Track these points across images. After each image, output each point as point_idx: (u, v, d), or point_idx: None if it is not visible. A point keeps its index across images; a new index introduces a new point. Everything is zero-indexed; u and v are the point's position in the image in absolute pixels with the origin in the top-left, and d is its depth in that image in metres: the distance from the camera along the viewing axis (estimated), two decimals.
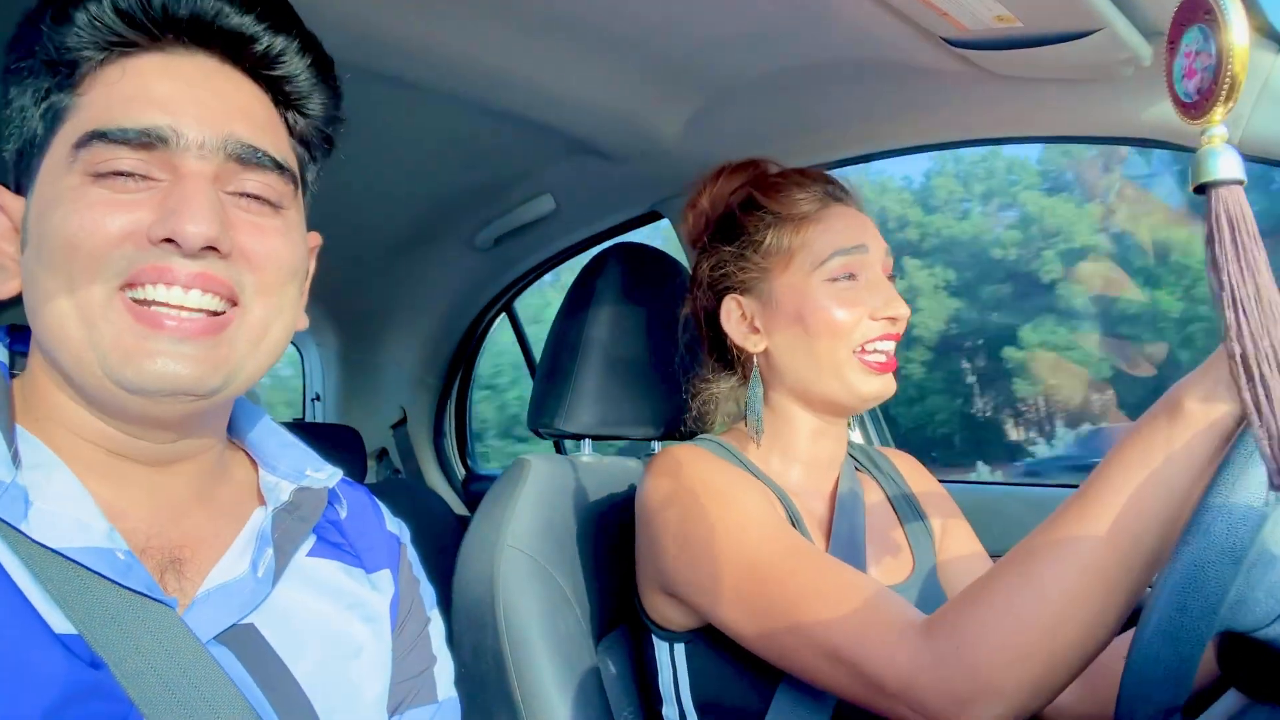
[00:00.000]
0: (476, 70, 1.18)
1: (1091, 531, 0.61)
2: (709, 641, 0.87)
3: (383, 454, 2.38)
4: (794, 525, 0.89)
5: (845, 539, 0.92)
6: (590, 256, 1.20)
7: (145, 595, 0.53)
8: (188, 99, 0.55)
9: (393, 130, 1.44)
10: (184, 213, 0.52)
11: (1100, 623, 0.61)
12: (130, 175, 0.53)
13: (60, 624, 0.50)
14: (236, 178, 0.56)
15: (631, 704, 1.00)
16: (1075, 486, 0.64)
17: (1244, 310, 0.44)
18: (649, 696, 0.96)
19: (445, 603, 0.79)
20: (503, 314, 2.28)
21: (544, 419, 1.10)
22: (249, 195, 0.57)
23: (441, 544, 1.92)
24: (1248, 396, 0.45)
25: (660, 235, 1.69)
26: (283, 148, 0.60)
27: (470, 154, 1.56)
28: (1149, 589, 1.01)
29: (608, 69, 1.20)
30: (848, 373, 0.91)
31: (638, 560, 0.93)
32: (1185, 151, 1.01)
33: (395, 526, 0.75)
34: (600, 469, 1.11)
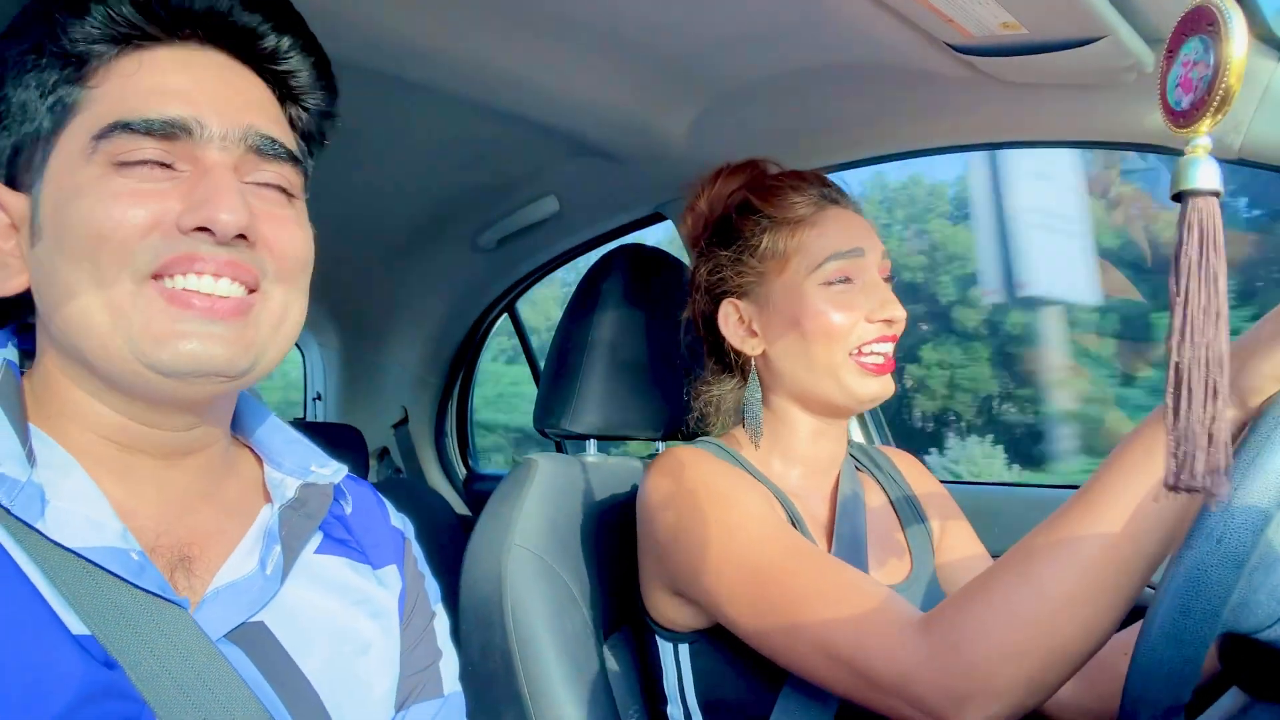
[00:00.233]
0: (482, 72, 1.18)
1: (1091, 533, 0.61)
2: (713, 642, 0.88)
3: (384, 453, 2.39)
4: (795, 527, 0.90)
5: (847, 540, 0.93)
6: (592, 258, 1.21)
7: (158, 595, 0.53)
8: (207, 92, 0.56)
9: (397, 131, 1.45)
10: (218, 202, 0.53)
11: (1098, 623, 0.62)
12: (154, 165, 0.54)
13: (76, 624, 0.50)
14: (255, 168, 0.58)
15: (637, 702, 1.00)
16: (1074, 486, 0.65)
17: (1192, 317, 0.45)
18: (654, 696, 0.97)
19: (448, 601, 0.80)
20: (504, 314, 2.28)
21: (550, 420, 1.11)
22: (266, 185, 0.59)
23: (443, 543, 1.93)
24: (1170, 399, 0.46)
25: (665, 236, 1.70)
26: (290, 141, 0.62)
27: (474, 155, 1.56)
28: (1150, 589, 1.02)
29: (613, 71, 1.21)
30: (845, 375, 0.92)
31: (640, 561, 0.94)
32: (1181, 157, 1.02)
33: (399, 522, 0.75)
34: (606, 469, 1.12)
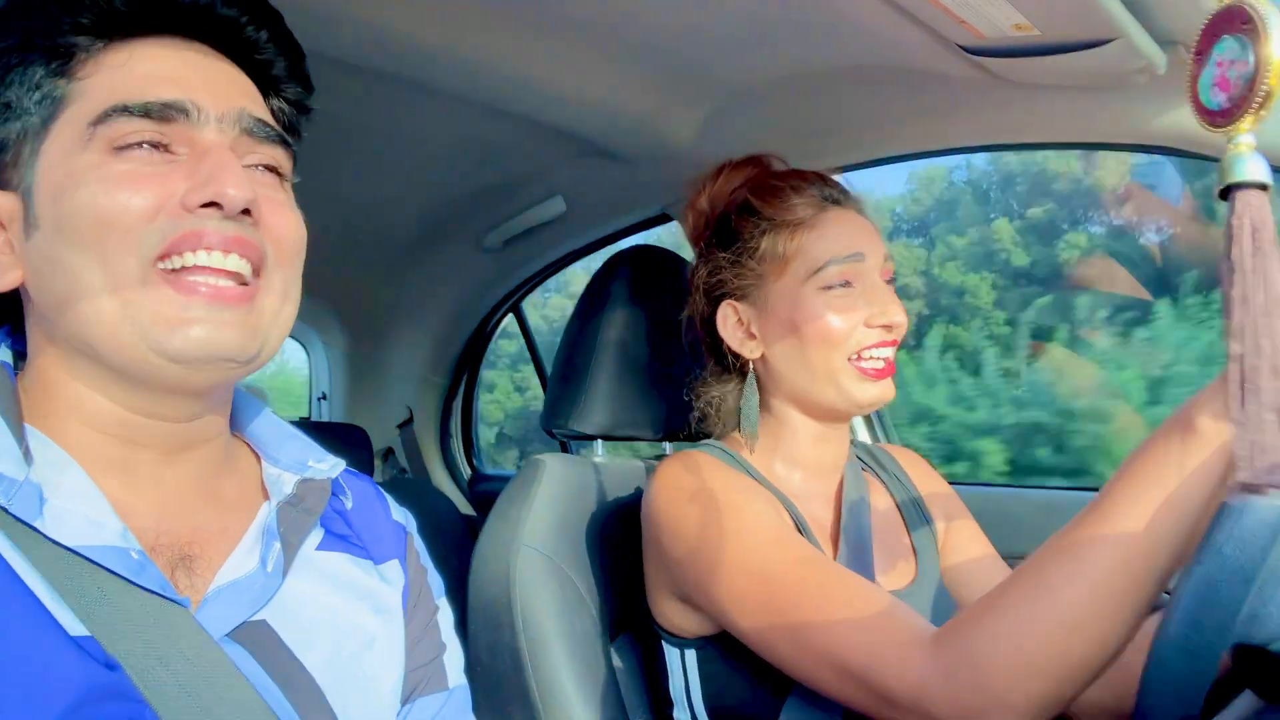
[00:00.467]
0: (490, 73, 1.18)
1: (1103, 549, 0.61)
2: (720, 648, 0.87)
3: (389, 453, 2.39)
4: (800, 532, 0.89)
5: (853, 544, 0.92)
6: (598, 259, 1.21)
7: (158, 595, 0.53)
8: (199, 77, 0.58)
9: (405, 131, 1.45)
10: (224, 178, 0.54)
11: (1112, 636, 0.62)
12: (152, 148, 0.55)
13: (74, 626, 0.50)
14: (249, 151, 0.59)
15: (645, 704, 1.00)
16: (1084, 489, 0.65)
17: (1252, 313, 0.45)
18: (660, 700, 0.96)
19: (454, 602, 0.80)
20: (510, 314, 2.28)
21: (557, 420, 1.11)
22: (260, 167, 0.60)
23: (448, 543, 1.93)
24: (1235, 394, 0.45)
25: (672, 237, 1.70)
26: (278, 126, 0.63)
27: (481, 155, 1.56)
28: (1166, 594, 1.01)
29: (620, 71, 1.21)
30: (843, 380, 0.91)
31: (646, 567, 0.94)
32: (1195, 159, 1.02)
33: (401, 516, 0.75)
34: (614, 469, 1.12)
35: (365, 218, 1.84)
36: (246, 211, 0.55)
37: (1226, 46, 0.46)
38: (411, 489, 2.21)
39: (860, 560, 0.91)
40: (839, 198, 0.96)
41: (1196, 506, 0.59)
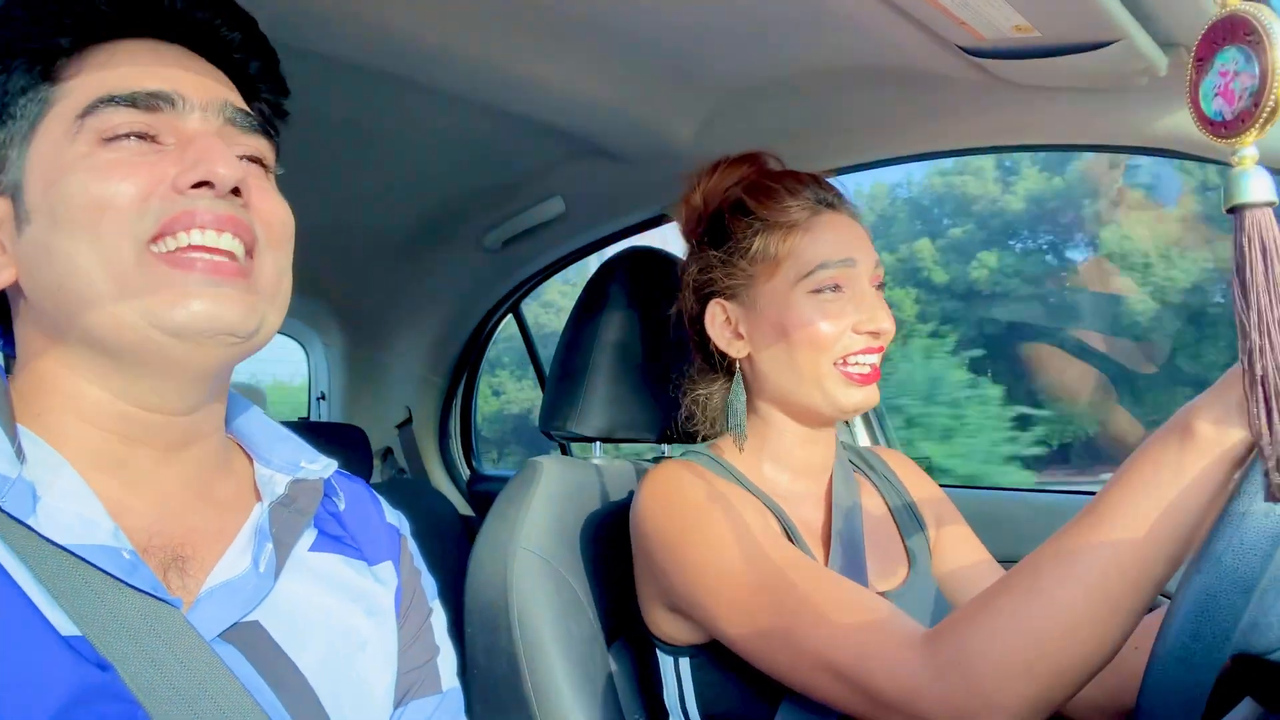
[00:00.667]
0: (488, 72, 1.18)
1: (1098, 553, 0.61)
2: (713, 656, 0.87)
3: (388, 453, 2.38)
4: (789, 536, 0.89)
5: (844, 546, 0.92)
6: (597, 259, 1.20)
7: (150, 595, 0.53)
8: (181, 71, 0.59)
9: (404, 131, 1.44)
10: (213, 157, 0.55)
11: (1105, 640, 0.61)
12: (139, 138, 0.56)
13: (65, 626, 0.50)
14: (234, 140, 0.60)
15: (642, 708, 1.00)
16: (1082, 493, 0.65)
17: (1270, 333, 0.44)
18: (655, 708, 0.96)
19: (450, 602, 0.79)
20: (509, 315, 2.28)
21: (556, 422, 1.10)
22: (245, 158, 0.60)
23: (446, 544, 1.93)
24: (1262, 417, 0.45)
25: (669, 237, 1.69)
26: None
27: (480, 156, 1.56)
28: (1165, 596, 1.01)
29: (620, 71, 1.20)
30: (829, 384, 0.91)
31: (637, 577, 0.93)
32: (1195, 161, 1.02)
33: (394, 518, 0.75)
34: (612, 471, 1.12)
35: (365, 217, 1.84)
36: (236, 193, 0.56)
37: (1230, 57, 0.45)
38: (410, 489, 2.20)
39: (852, 561, 0.91)
40: (833, 201, 0.95)
41: (1194, 512, 0.58)
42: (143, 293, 0.53)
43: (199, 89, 0.58)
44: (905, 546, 0.99)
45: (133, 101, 0.55)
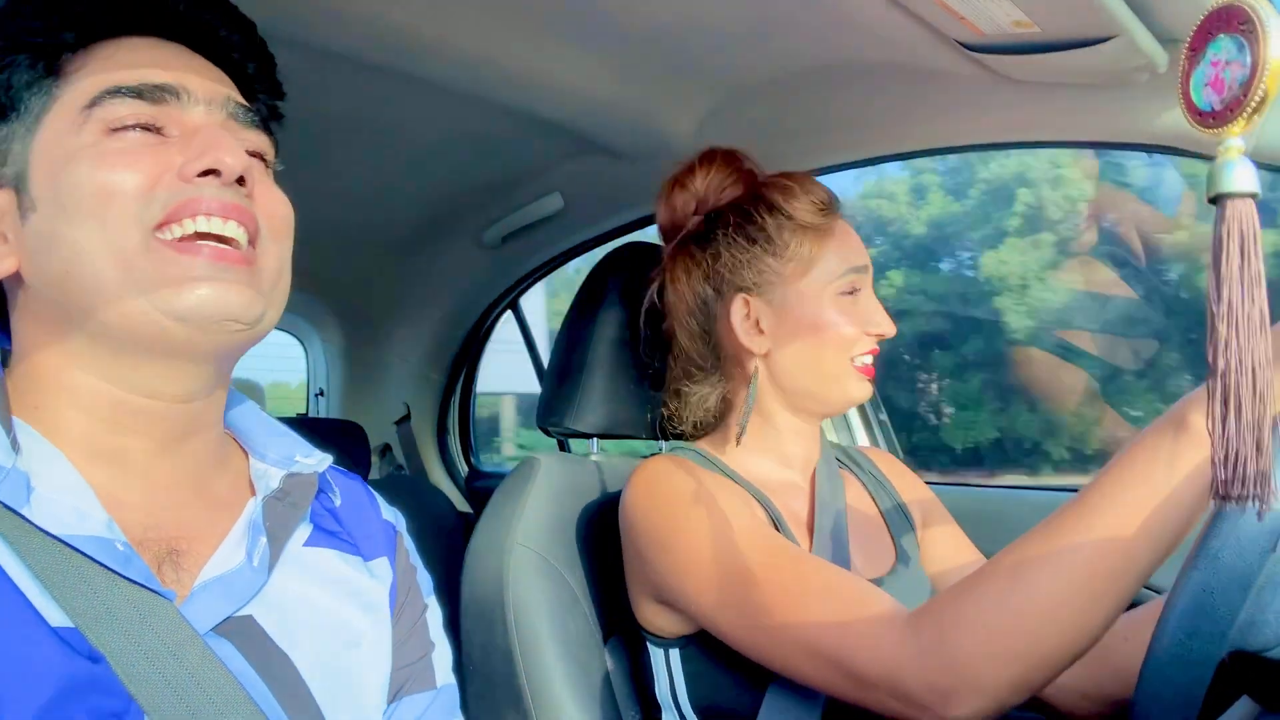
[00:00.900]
0: (488, 68, 1.18)
1: (1084, 539, 0.61)
2: (703, 646, 0.88)
3: (386, 450, 2.38)
4: (776, 526, 0.90)
5: (828, 534, 0.93)
6: (596, 256, 1.20)
7: (144, 587, 0.53)
8: (185, 66, 0.60)
9: (402, 126, 1.44)
10: (220, 147, 0.56)
11: (1086, 629, 0.62)
12: (144, 129, 0.56)
13: (57, 617, 0.50)
14: (236, 135, 0.60)
15: (637, 705, 1.00)
16: (1077, 491, 0.65)
17: (1237, 325, 0.44)
18: (648, 703, 0.96)
19: (448, 599, 0.79)
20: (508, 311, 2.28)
21: (553, 418, 1.10)
22: (247, 153, 0.61)
23: (445, 541, 1.93)
24: (1217, 411, 0.45)
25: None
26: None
27: (479, 151, 1.55)
28: (1149, 589, 1.01)
29: (620, 67, 1.20)
30: (845, 380, 0.95)
31: (626, 571, 0.94)
32: (1195, 158, 1.01)
33: (391, 515, 0.75)
34: (609, 468, 1.11)
35: (363, 213, 1.83)
36: (241, 184, 0.57)
37: (1222, 46, 0.45)
38: (408, 486, 2.20)
39: (836, 549, 0.92)
40: (839, 206, 0.99)
41: (1184, 506, 0.59)
42: (149, 278, 0.54)
43: (203, 84, 0.60)
44: (894, 539, 1.00)
45: (139, 93, 0.56)
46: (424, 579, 0.75)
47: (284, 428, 0.70)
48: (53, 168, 0.55)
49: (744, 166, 1.03)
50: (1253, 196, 0.45)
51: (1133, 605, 0.87)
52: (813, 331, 0.94)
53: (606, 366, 1.09)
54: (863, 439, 1.63)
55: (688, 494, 0.86)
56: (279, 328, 0.66)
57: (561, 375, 1.12)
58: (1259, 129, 0.45)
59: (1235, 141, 0.45)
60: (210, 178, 0.56)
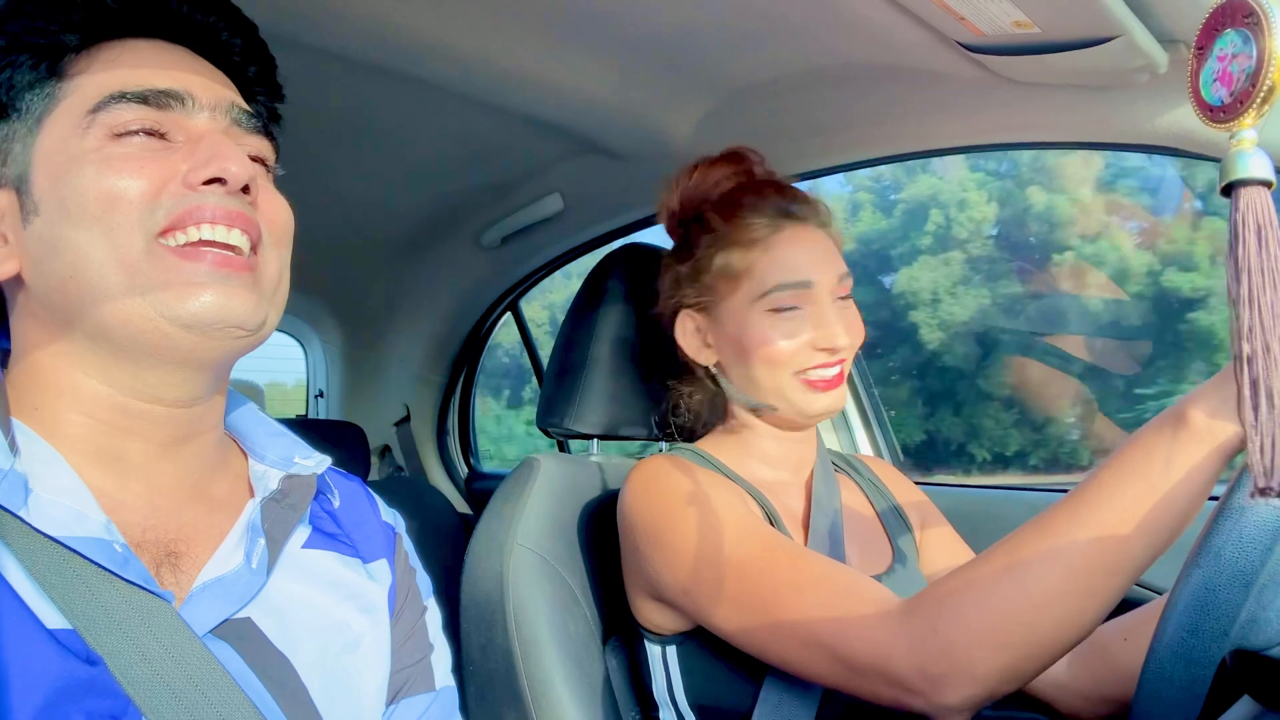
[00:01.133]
0: (487, 69, 1.18)
1: (1079, 532, 0.61)
2: (699, 642, 0.88)
3: (386, 451, 2.38)
4: (771, 522, 0.91)
5: (824, 532, 0.93)
6: (596, 257, 1.20)
7: (142, 588, 0.53)
8: (189, 71, 0.60)
9: (401, 127, 1.44)
10: (226, 156, 0.56)
11: (1078, 621, 0.62)
12: (149, 134, 0.56)
13: (54, 619, 0.50)
14: (239, 140, 0.61)
15: (637, 705, 1.00)
16: None
17: (1260, 313, 0.44)
18: (645, 702, 0.96)
19: (448, 599, 0.79)
20: (508, 313, 2.28)
21: (553, 418, 1.10)
22: (249, 158, 0.61)
23: (444, 542, 1.92)
24: (1247, 399, 0.45)
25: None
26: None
27: (479, 152, 1.55)
28: (1142, 587, 1.01)
29: (619, 68, 1.20)
30: (791, 394, 0.93)
31: (624, 568, 0.94)
32: (1195, 159, 1.01)
33: (390, 516, 0.75)
34: (609, 468, 1.11)
35: (362, 214, 1.83)
36: (245, 191, 0.57)
37: (1228, 40, 0.45)
38: (408, 487, 2.20)
39: (833, 547, 0.93)
40: (799, 212, 0.96)
41: (1181, 502, 0.59)
42: (153, 283, 0.54)
43: (207, 89, 0.60)
44: (891, 544, 1.00)
45: (144, 99, 0.57)
46: (423, 581, 0.75)
47: (283, 428, 0.70)
48: (56, 171, 0.55)
49: (721, 175, 1.02)
50: (1268, 184, 0.45)
51: (1133, 607, 0.87)
52: (742, 348, 0.94)
53: (606, 367, 1.09)
54: (862, 438, 1.63)
55: (684, 491, 0.86)
56: (278, 329, 0.66)
57: (561, 376, 1.12)
58: (1268, 121, 0.45)
59: (1248, 133, 0.45)
60: (215, 185, 0.56)
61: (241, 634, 0.57)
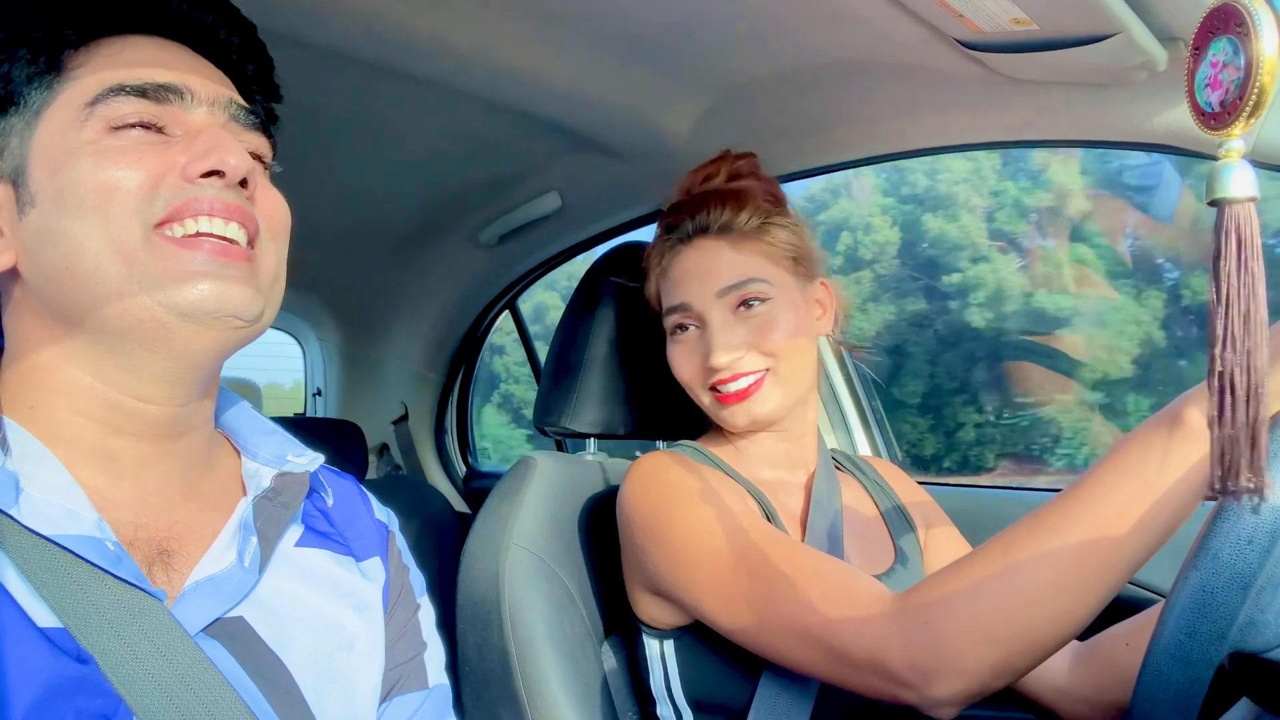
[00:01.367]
0: (484, 66, 1.17)
1: (1073, 529, 0.62)
2: (697, 637, 0.89)
3: (384, 450, 2.38)
4: (770, 520, 0.92)
5: (822, 531, 0.94)
6: (594, 255, 1.20)
7: (134, 586, 0.52)
8: (188, 67, 0.61)
9: (399, 125, 1.43)
10: (225, 149, 0.56)
11: (1069, 618, 0.63)
12: (146, 127, 0.56)
13: (44, 618, 0.50)
14: (237, 136, 0.61)
15: (635, 703, 1.00)
16: None
17: (1235, 326, 0.45)
18: (643, 697, 0.96)
19: (445, 598, 0.79)
20: (506, 311, 2.27)
21: (550, 418, 1.10)
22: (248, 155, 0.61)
23: (442, 541, 1.92)
24: (1215, 406, 0.46)
25: None
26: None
27: (476, 150, 1.55)
28: (1136, 585, 1.00)
29: (617, 66, 1.19)
30: (712, 410, 0.97)
31: (623, 563, 0.95)
32: (1195, 157, 1.01)
33: (384, 515, 0.75)
34: (606, 468, 1.11)
35: (360, 212, 1.83)
36: (243, 185, 0.58)
37: (1220, 47, 0.45)
38: (406, 485, 2.20)
39: (831, 546, 0.93)
40: (691, 232, 0.97)
41: (1175, 501, 0.59)
42: (151, 272, 0.54)
43: (205, 85, 0.60)
44: (894, 544, 1.01)
45: (143, 92, 0.57)
46: (417, 579, 0.75)
47: (275, 426, 0.70)
48: (53, 163, 0.55)
49: (691, 181, 1.04)
50: (1251, 201, 0.45)
51: (1134, 609, 0.87)
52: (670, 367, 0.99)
53: (603, 367, 1.09)
54: (861, 438, 1.63)
55: (682, 486, 0.87)
56: (276, 327, 0.66)
57: (558, 375, 1.11)
58: (1258, 129, 0.45)
59: (1235, 144, 0.45)
60: (213, 179, 0.56)
61: (234, 633, 0.57)
